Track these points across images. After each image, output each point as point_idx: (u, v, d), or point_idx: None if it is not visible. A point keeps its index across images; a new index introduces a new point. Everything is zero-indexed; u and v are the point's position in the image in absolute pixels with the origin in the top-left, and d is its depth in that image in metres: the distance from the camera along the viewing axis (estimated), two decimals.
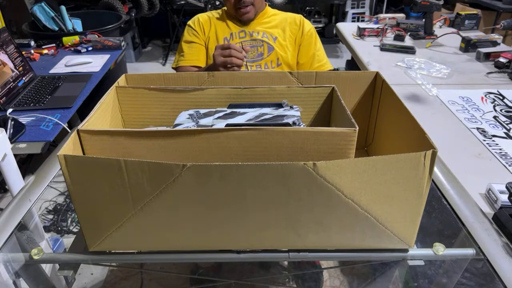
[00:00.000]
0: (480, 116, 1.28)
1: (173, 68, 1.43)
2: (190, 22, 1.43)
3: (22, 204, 0.79)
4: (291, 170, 0.55)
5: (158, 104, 0.82)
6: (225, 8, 1.44)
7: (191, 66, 1.37)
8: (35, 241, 0.79)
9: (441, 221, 0.80)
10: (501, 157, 1.05)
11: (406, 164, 0.56)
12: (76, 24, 2.49)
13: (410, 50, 1.92)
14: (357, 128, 0.61)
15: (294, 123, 0.69)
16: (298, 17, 1.42)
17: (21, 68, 1.72)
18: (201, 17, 1.43)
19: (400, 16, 2.31)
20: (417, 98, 1.44)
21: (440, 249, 0.67)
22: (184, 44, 1.40)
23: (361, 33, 2.17)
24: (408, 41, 2.10)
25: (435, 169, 0.77)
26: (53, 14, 2.40)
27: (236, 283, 1.15)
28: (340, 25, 2.45)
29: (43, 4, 2.40)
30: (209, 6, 3.67)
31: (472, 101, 1.39)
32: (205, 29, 1.40)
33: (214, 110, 0.78)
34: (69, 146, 0.60)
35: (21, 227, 0.75)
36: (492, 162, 1.04)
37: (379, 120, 0.89)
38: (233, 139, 0.62)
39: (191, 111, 0.79)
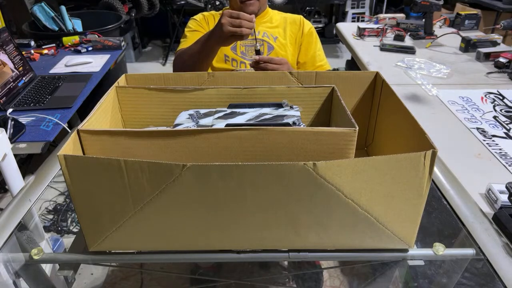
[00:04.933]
0: (480, 116, 1.28)
1: (175, 54, 1.36)
2: (194, 17, 1.44)
3: (22, 204, 0.79)
4: (291, 170, 0.55)
5: (158, 104, 0.82)
6: (226, 8, 1.44)
7: None
8: (35, 241, 0.79)
9: (441, 221, 0.80)
10: (501, 157, 1.05)
11: (406, 164, 0.56)
12: (76, 24, 2.49)
13: (410, 50, 1.92)
14: (357, 128, 0.61)
15: (294, 123, 0.69)
16: (298, 17, 1.43)
17: (21, 68, 1.72)
18: (205, 14, 1.44)
19: (400, 16, 2.31)
20: (417, 98, 1.44)
21: (440, 249, 0.67)
22: (187, 31, 1.40)
23: (361, 33, 2.17)
24: (408, 41, 2.10)
25: (435, 169, 0.76)
26: (53, 14, 2.40)
27: (236, 283, 1.15)
28: (340, 25, 2.46)
29: (43, 4, 2.40)
30: (209, 6, 3.67)
31: (472, 101, 1.39)
32: (210, 24, 1.40)
33: (214, 110, 0.78)
34: (69, 146, 0.60)
35: (21, 227, 0.75)
36: (492, 162, 1.04)
37: (379, 120, 0.89)
38: (233, 139, 0.62)
39: (191, 111, 0.79)
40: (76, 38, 2.23)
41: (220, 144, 0.63)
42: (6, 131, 1.23)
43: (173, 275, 1.51)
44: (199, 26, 1.40)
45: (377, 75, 0.87)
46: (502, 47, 1.88)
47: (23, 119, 1.40)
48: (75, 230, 1.87)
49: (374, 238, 0.64)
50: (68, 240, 1.74)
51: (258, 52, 1.18)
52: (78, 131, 0.64)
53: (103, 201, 0.60)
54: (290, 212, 0.60)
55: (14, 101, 1.56)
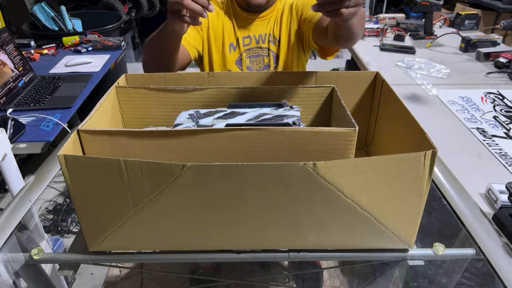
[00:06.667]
0: (480, 116, 1.28)
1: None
2: None
3: (22, 204, 0.79)
4: (291, 170, 0.55)
5: (158, 104, 0.82)
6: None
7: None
8: (35, 241, 0.79)
9: (441, 221, 0.80)
10: (501, 157, 1.05)
11: (406, 164, 0.56)
12: (76, 24, 2.50)
13: (410, 50, 1.92)
14: (357, 128, 0.61)
15: (294, 123, 0.69)
16: (288, 3, 1.22)
17: (21, 68, 1.72)
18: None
19: (400, 16, 2.31)
20: (417, 98, 1.44)
21: (440, 249, 0.67)
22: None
23: None
24: (408, 41, 2.10)
25: (435, 169, 0.76)
26: (53, 14, 2.40)
27: (236, 283, 1.15)
28: None
29: (43, 4, 2.40)
30: None
31: (472, 101, 1.39)
32: (210, 27, 1.18)
33: (214, 110, 0.78)
34: (69, 146, 0.60)
35: (21, 227, 0.75)
36: (492, 162, 1.04)
37: (379, 120, 0.89)
38: (233, 139, 0.62)
39: (191, 111, 0.79)
40: (76, 38, 2.23)
41: (220, 144, 0.63)
42: (6, 131, 1.23)
43: (173, 275, 1.51)
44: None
45: (377, 75, 0.87)
46: (502, 47, 1.88)
47: (23, 119, 1.40)
48: (75, 230, 1.87)
49: (374, 238, 0.64)
50: (68, 240, 1.74)
51: None
52: (78, 131, 0.64)
53: (103, 201, 0.60)
54: (290, 212, 0.60)
55: (14, 101, 1.56)
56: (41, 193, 0.83)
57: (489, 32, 2.13)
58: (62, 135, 1.24)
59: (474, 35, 1.97)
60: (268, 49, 1.23)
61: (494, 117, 1.28)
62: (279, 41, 1.22)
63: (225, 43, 1.21)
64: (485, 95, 1.43)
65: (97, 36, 2.24)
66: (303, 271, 1.45)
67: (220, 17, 1.22)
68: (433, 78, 1.62)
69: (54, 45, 2.20)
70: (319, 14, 1.06)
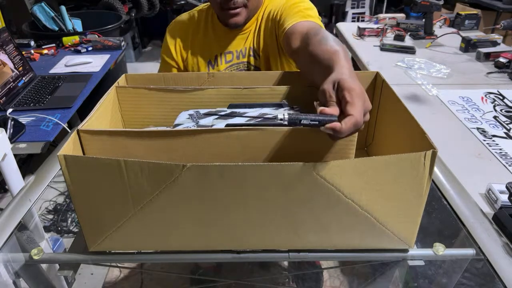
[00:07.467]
0: (480, 116, 1.28)
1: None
2: (168, 37, 1.16)
3: (22, 204, 0.79)
4: (291, 170, 0.55)
5: (158, 104, 0.82)
6: (205, 5, 1.16)
7: None
8: (35, 241, 0.79)
9: (441, 221, 0.80)
10: (501, 157, 1.05)
11: (406, 164, 0.56)
12: (76, 24, 2.50)
13: (410, 50, 1.92)
14: None
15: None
16: (266, 12, 1.11)
17: (21, 68, 1.72)
18: (179, 31, 1.16)
19: (400, 16, 2.31)
20: (417, 98, 1.44)
21: (440, 249, 0.67)
22: (163, 62, 1.19)
23: (361, 33, 2.17)
24: (408, 41, 2.10)
25: (435, 169, 0.76)
26: (53, 14, 2.40)
27: (236, 283, 1.15)
28: (340, 25, 2.46)
29: (43, 4, 2.40)
30: None
31: (472, 101, 1.39)
32: (183, 53, 1.16)
33: (214, 110, 0.78)
34: (69, 146, 0.60)
35: (21, 227, 0.75)
36: (492, 162, 1.04)
37: (379, 120, 0.89)
38: (233, 139, 0.62)
39: (191, 111, 0.78)
40: (76, 38, 2.24)
41: (220, 144, 0.63)
42: (6, 131, 1.23)
43: (173, 275, 1.51)
44: (170, 58, 1.17)
45: (377, 75, 0.87)
46: (502, 47, 1.88)
47: (23, 119, 1.40)
48: (75, 230, 1.87)
49: (374, 238, 0.64)
50: (68, 240, 1.74)
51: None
52: (78, 131, 0.64)
53: (103, 201, 0.60)
54: (290, 212, 0.60)
55: (14, 101, 1.56)
56: (41, 193, 0.83)
57: (489, 32, 2.13)
58: (62, 135, 1.24)
59: (474, 35, 1.97)
60: (248, 63, 1.15)
61: (494, 117, 1.28)
62: (258, 54, 1.14)
63: (201, 63, 1.16)
64: (485, 95, 1.43)
65: (97, 36, 2.24)
66: (303, 271, 1.45)
67: (191, 37, 1.17)
68: (433, 78, 1.62)
69: (54, 45, 2.20)
70: (290, 23, 0.99)
